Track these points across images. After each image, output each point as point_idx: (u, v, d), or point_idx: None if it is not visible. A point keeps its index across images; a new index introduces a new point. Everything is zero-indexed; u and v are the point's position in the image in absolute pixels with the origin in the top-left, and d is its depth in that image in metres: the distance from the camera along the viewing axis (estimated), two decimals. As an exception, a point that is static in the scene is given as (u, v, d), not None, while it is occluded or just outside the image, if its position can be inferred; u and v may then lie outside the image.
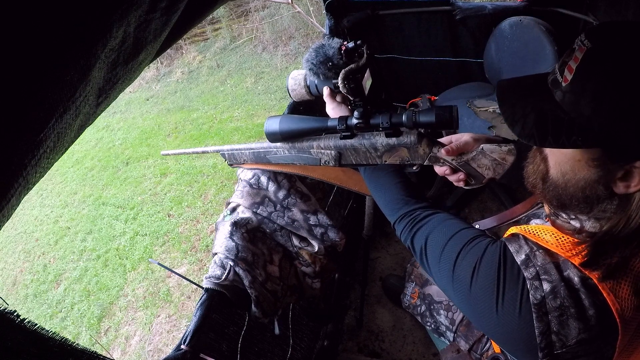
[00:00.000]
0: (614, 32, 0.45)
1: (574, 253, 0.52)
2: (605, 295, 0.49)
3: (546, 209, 0.63)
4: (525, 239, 0.57)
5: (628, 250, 0.48)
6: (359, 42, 0.79)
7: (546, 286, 0.50)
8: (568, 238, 0.55)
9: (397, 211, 0.74)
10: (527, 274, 0.52)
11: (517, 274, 0.53)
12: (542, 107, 0.49)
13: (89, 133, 4.61)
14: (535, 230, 0.58)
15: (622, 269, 0.49)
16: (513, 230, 0.61)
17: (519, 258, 0.54)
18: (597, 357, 0.50)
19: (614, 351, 0.49)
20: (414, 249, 0.70)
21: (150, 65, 3.34)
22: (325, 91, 0.83)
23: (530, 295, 0.51)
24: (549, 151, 0.55)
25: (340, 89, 0.78)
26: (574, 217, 0.56)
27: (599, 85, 0.44)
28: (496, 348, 0.95)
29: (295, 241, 1.01)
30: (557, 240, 0.55)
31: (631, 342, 0.51)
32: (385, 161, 0.76)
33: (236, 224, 0.92)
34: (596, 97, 0.44)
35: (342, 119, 0.74)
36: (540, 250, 0.54)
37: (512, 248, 0.56)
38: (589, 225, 0.54)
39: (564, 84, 0.47)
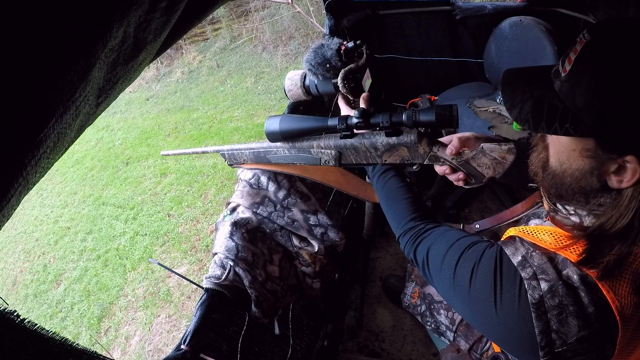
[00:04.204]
0: (614, 28, 0.46)
1: (568, 244, 0.53)
2: (604, 292, 0.49)
3: (545, 205, 0.63)
4: (522, 240, 0.57)
5: (624, 247, 0.48)
6: (358, 42, 0.79)
7: (544, 285, 0.51)
8: (566, 235, 0.55)
9: (403, 226, 0.75)
10: (524, 274, 0.53)
11: (513, 275, 0.54)
12: (541, 95, 0.51)
13: (89, 133, 4.61)
14: (533, 231, 0.59)
15: (620, 267, 0.49)
16: (510, 232, 0.62)
17: (516, 260, 0.55)
18: (598, 355, 0.50)
19: (614, 349, 0.49)
20: (417, 261, 0.71)
21: (150, 65, 3.34)
22: (341, 100, 0.85)
23: (529, 295, 0.51)
24: (550, 140, 0.56)
25: (340, 88, 0.78)
26: (573, 212, 0.56)
27: (594, 77, 0.45)
28: (496, 348, 0.95)
29: (295, 241, 1.01)
30: (556, 239, 0.55)
31: (631, 341, 0.51)
32: (386, 160, 0.76)
33: (236, 224, 0.92)
34: (590, 88, 0.45)
35: (342, 119, 0.74)
36: (537, 251, 0.54)
37: (508, 251, 0.56)
38: (588, 221, 0.55)
39: (563, 74, 0.48)
